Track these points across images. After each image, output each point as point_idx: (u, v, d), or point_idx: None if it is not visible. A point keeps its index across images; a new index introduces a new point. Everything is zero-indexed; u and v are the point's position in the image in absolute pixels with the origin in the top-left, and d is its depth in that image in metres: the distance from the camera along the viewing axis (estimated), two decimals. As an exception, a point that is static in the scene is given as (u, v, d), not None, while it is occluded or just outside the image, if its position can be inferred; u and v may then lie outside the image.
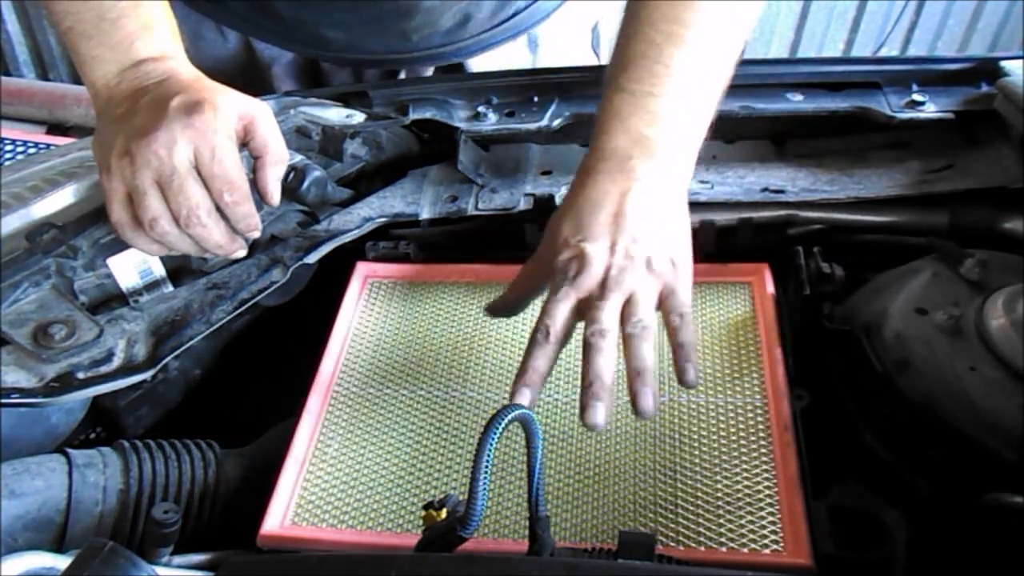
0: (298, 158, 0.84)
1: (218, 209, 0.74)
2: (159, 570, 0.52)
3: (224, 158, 0.73)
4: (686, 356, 0.66)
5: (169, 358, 0.74)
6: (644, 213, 0.71)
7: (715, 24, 0.76)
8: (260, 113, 0.77)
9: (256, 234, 0.78)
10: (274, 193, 0.78)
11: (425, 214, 0.87)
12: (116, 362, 0.72)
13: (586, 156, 0.75)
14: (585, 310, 0.68)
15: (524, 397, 0.63)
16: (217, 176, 0.73)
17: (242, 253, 0.79)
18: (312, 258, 0.82)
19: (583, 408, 0.62)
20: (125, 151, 0.72)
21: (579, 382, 0.64)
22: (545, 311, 0.67)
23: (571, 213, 0.72)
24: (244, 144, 0.76)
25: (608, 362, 0.64)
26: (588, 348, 0.65)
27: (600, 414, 0.61)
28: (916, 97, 0.88)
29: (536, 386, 0.64)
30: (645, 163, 0.72)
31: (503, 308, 0.77)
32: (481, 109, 0.95)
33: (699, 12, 0.75)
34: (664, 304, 0.69)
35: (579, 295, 0.68)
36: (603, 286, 0.68)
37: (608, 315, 0.66)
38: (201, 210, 0.73)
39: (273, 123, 0.78)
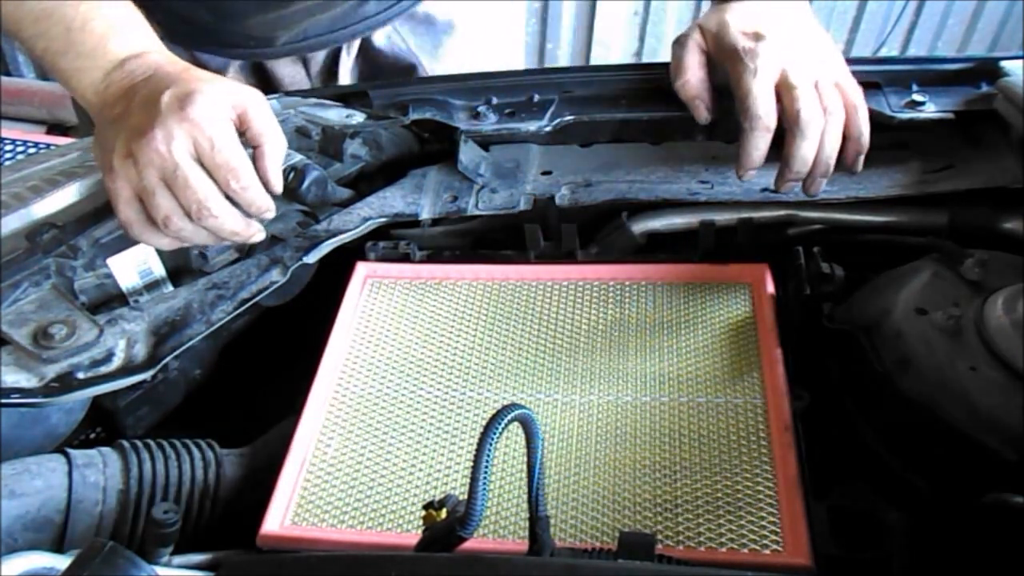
0: (298, 158, 0.84)
1: (228, 197, 0.74)
2: (159, 570, 0.52)
3: (224, 147, 0.72)
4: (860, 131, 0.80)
5: (169, 358, 0.74)
6: (801, 26, 0.82)
7: None
8: (253, 101, 0.76)
9: (271, 215, 0.77)
10: (276, 182, 0.77)
11: (425, 214, 0.87)
12: (116, 362, 0.72)
13: None
14: (783, 97, 0.77)
15: (749, 175, 0.79)
16: (220, 165, 0.73)
17: (260, 236, 0.78)
18: (312, 258, 0.82)
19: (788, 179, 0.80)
20: (127, 152, 0.72)
21: (780, 168, 0.78)
22: (750, 96, 0.77)
23: (735, 9, 0.83)
24: (240, 133, 0.76)
25: (813, 146, 0.77)
26: (793, 135, 0.76)
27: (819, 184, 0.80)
28: (916, 97, 0.88)
29: (757, 167, 0.78)
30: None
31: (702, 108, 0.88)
32: (481, 109, 0.95)
33: None
34: (842, 91, 0.79)
35: (774, 79, 0.77)
36: (794, 72, 0.77)
37: (812, 102, 0.76)
38: (210, 201, 0.73)
39: (267, 109, 0.77)
